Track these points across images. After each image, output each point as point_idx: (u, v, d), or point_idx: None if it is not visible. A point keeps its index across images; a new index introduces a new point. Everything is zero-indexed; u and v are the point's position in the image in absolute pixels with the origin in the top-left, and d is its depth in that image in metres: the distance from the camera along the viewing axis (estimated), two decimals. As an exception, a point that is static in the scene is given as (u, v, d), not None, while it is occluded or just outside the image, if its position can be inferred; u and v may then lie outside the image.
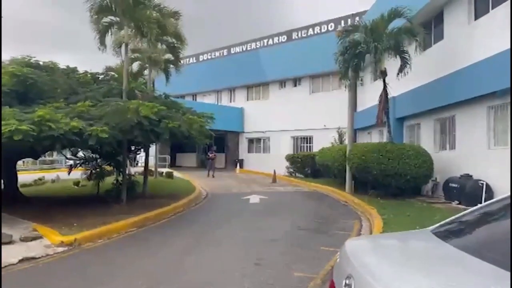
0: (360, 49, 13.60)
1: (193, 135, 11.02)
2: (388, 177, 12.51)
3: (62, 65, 13.36)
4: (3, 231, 7.48)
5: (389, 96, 14.14)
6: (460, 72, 11.65)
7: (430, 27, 14.49)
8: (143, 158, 20.53)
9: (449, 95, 12.23)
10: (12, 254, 6.57)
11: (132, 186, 13.23)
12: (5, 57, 12.61)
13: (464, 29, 12.16)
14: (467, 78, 11.22)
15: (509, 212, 2.34)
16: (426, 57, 14.25)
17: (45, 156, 25.92)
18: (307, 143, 27.10)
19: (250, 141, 31.21)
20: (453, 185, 11.65)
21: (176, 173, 22.81)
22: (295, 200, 14.24)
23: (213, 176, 22.85)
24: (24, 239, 7.40)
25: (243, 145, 31.48)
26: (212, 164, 24.11)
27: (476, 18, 11.77)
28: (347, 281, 2.08)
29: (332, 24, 25.66)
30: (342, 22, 24.41)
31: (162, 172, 22.33)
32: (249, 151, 31.26)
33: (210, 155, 24.46)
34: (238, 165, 29.15)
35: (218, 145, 31.30)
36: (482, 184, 10.48)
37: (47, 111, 8.59)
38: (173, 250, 7.20)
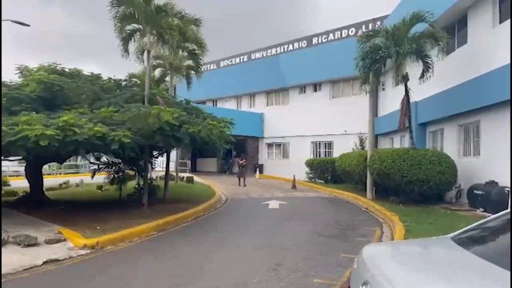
0: (381, 54, 13.46)
1: (213, 140, 11.11)
2: (410, 184, 12.29)
3: (86, 72, 13.75)
4: (29, 233, 7.72)
5: (411, 101, 13.93)
6: (484, 76, 11.39)
7: (453, 31, 14.23)
8: (161, 163, 20.85)
9: (473, 100, 11.96)
10: (37, 256, 6.77)
11: (153, 191, 13.41)
12: (33, 65, 13.05)
13: (489, 32, 11.90)
14: (492, 82, 10.96)
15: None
16: (449, 61, 13.98)
17: (69, 161, 26.55)
18: (327, 149, 26.90)
19: (270, 146, 31.20)
20: (478, 192, 11.35)
21: (196, 178, 23.00)
22: (315, 206, 14.13)
23: (242, 185, 20.76)
24: (49, 242, 7.59)
25: (262, 150, 31.49)
26: (243, 172, 21.69)
27: (500, 21, 11.51)
28: (363, 287, 2.06)
29: (353, 29, 25.51)
30: (363, 27, 24.23)
31: (183, 177, 22.55)
32: (268, 157, 31.25)
33: (240, 162, 22.26)
34: (257, 170, 29.14)
35: (238, 150, 31.37)
36: (508, 191, 10.18)
37: (71, 116, 8.83)
38: (192, 254, 7.26)
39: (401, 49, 12.59)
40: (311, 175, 23.94)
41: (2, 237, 7.20)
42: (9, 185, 17.16)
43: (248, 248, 7.70)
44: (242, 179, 21.29)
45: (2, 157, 11.46)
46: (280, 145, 30.35)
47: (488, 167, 11.65)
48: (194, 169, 31.91)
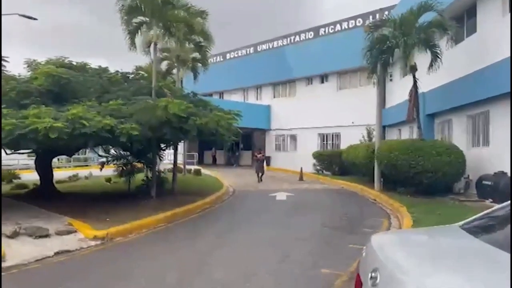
0: (389, 44, 13.34)
1: (220, 132, 11.12)
2: (418, 175, 12.24)
3: (94, 65, 13.81)
4: (40, 225, 7.83)
5: (419, 91, 13.81)
6: (494, 66, 11.24)
7: (463, 20, 14.04)
8: (168, 156, 20.92)
9: (482, 90, 11.83)
10: (48, 247, 6.87)
11: (162, 183, 13.50)
12: (41, 59, 13.12)
13: (498, 21, 11.73)
14: (501, 72, 10.80)
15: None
16: (458, 51, 13.82)
17: (78, 154, 26.77)
18: (334, 141, 26.80)
19: (277, 138, 31.14)
20: (487, 182, 11.28)
21: (203, 170, 23.09)
22: (322, 198, 14.15)
23: (261, 180, 19.43)
24: (60, 233, 7.69)
25: (270, 142, 31.45)
26: (261, 166, 20.13)
27: (511, 10, 11.33)
28: (373, 274, 2.08)
29: (360, 19, 25.25)
30: (370, 17, 23.96)
31: (190, 169, 22.65)
32: (276, 149, 31.20)
33: (258, 156, 20.81)
34: (264, 162, 29.08)
35: (245, 142, 31.38)
36: (517, 181, 10.10)
37: (80, 109, 8.91)
38: (200, 245, 7.32)
39: (409, 39, 12.47)
40: (318, 167, 23.90)
41: (14, 229, 7.32)
42: (19, 178, 17.35)
43: (256, 240, 7.75)
44: (260, 174, 19.79)
45: (13, 150, 11.60)
46: (287, 137, 30.29)
47: (497, 157, 11.55)
48: (201, 162, 32.05)
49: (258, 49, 32.38)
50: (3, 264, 5.88)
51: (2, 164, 21.07)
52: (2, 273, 5.53)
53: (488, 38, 12.25)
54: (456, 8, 13.81)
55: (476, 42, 13.01)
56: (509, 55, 10.44)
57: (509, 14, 11.32)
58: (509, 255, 1.83)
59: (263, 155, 21.19)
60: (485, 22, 12.53)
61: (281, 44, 30.53)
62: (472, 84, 12.38)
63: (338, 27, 26.79)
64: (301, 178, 20.46)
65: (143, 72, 16.91)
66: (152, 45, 13.56)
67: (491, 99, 11.67)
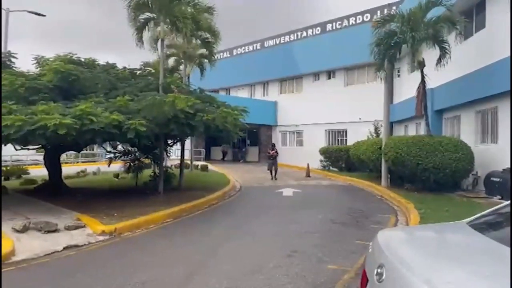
0: (397, 40, 13.25)
1: (227, 128, 11.14)
2: (425, 171, 12.18)
3: (101, 61, 13.89)
4: (49, 219, 7.93)
5: (427, 87, 13.71)
6: (503, 61, 11.11)
7: (471, 15, 13.89)
8: (175, 152, 21.03)
9: (491, 86, 11.71)
10: (57, 242, 6.95)
11: (169, 179, 13.57)
12: (50, 55, 13.22)
13: (507, 16, 11.57)
14: (510, 68, 10.70)
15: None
16: (467, 46, 13.69)
17: (86, 150, 26.98)
18: (341, 137, 26.72)
19: (284, 134, 31.10)
20: (495, 179, 11.19)
21: (210, 166, 23.15)
22: (329, 194, 14.14)
23: (275, 179, 18.44)
24: (68, 228, 7.78)
25: (276, 138, 31.38)
26: (274, 164, 18.98)
27: (511, 9, 11.19)
28: (378, 270, 2.08)
29: (368, 14, 25.07)
30: (378, 12, 23.78)
31: (197, 165, 22.72)
32: (282, 145, 31.13)
33: (271, 152, 19.41)
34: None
35: (252, 138, 31.38)
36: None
37: (88, 105, 8.97)
38: (207, 240, 7.36)
39: (417, 35, 12.37)
40: (325, 163, 23.86)
41: (24, 224, 7.42)
42: (28, 173, 17.58)
43: (262, 235, 7.77)
44: (274, 172, 18.78)
45: (21, 146, 11.73)
46: (294, 133, 30.25)
47: (506, 154, 11.42)
48: (208, 158, 32.13)
49: (265, 45, 32.29)
50: (13, 258, 5.98)
51: (12, 159, 21.45)
52: (12, 267, 5.64)
53: (497, 34, 12.10)
54: (465, 3, 13.67)
55: (485, 37, 12.87)
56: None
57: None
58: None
59: (276, 151, 19.69)
60: (494, 17, 12.38)
61: (288, 40, 30.40)
62: (480, 80, 12.27)
63: (345, 22, 26.62)
64: (307, 174, 20.43)
65: (150, 68, 16.97)
66: (159, 41, 13.61)
67: (499, 95, 11.56)
